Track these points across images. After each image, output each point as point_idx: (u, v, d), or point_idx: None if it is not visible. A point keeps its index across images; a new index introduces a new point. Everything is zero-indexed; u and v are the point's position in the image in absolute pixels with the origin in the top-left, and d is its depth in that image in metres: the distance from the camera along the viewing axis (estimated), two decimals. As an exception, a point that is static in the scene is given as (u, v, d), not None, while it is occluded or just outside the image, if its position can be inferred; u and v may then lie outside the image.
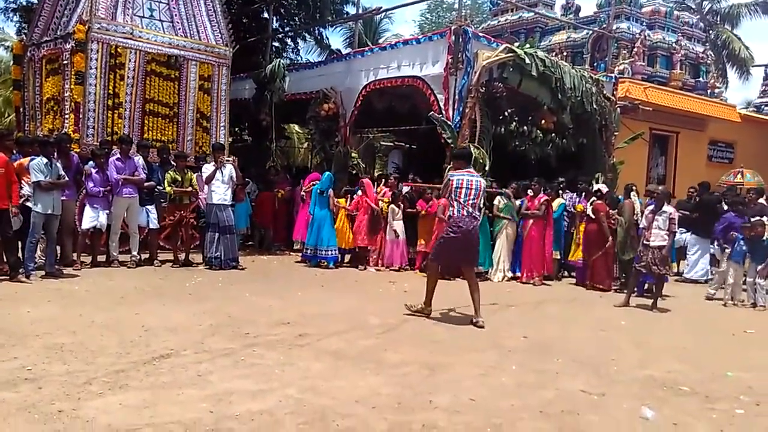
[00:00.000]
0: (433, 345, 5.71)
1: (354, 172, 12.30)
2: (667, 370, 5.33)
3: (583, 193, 10.52)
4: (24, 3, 17.27)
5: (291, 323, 6.11)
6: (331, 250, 10.23)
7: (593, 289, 9.59)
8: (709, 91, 17.80)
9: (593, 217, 9.66)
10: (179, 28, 11.27)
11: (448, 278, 9.54)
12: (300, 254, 10.89)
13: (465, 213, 6.53)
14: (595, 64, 16.36)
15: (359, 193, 10.70)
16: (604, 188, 10.32)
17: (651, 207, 8.45)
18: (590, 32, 16.91)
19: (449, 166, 10.28)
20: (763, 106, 22.86)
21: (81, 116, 10.06)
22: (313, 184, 10.56)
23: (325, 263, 10.20)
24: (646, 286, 9.06)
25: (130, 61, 10.47)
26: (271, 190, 11.94)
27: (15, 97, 12.36)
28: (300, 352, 5.18)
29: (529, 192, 10.11)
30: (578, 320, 7.41)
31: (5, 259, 7.55)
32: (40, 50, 11.19)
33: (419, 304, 6.73)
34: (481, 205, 6.91)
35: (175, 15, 11.32)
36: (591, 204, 9.76)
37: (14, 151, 8.15)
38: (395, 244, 10.46)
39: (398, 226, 10.44)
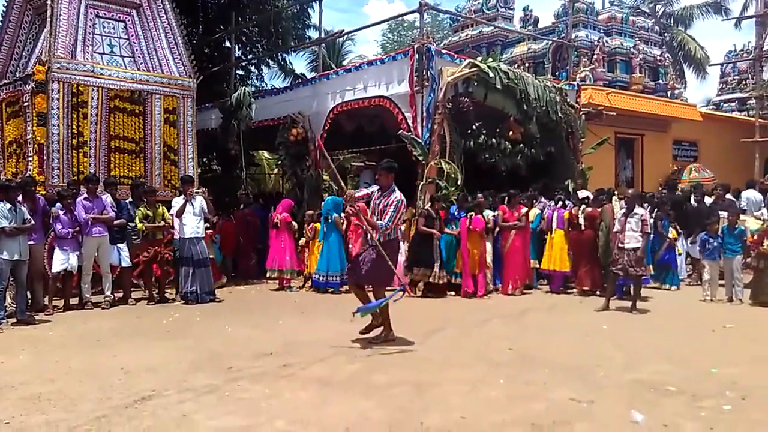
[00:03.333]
0: (419, 364, 5.66)
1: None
2: (652, 371, 5.36)
3: (560, 201, 10.57)
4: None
5: (274, 353, 6.02)
6: (338, 276, 10.05)
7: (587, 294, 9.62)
8: (669, 92, 18.21)
9: (584, 225, 9.67)
10: (141, 63, 11.18)
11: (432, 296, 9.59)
12: (275, 282, 10.79)
13: None
14: (557, 73, 16.63)
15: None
16: (590, 194, 10.41)
17: (623, 210, 8.55)
18: (550, 42, 17.21)
19: (422, 183, 10.39)
20: (722, 104, 23.48)
21: (45, 158, 9.88)
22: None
23: (332, 289, 10.07)
24: (625, 288, 9.14)
25: (92, 98, 10.32)
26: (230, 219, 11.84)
27: (-25, 142, 12.11)
28: (285, 382, 5.09)
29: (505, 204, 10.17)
30: (561, 327, 7.44)
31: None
32: (0, 94, 11.02)
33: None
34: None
35: (136, 50, 11.23)
36: (582, 212, 9.77)
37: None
38: None
39: None
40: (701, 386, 4.91)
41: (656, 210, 10.48)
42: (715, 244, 9.12)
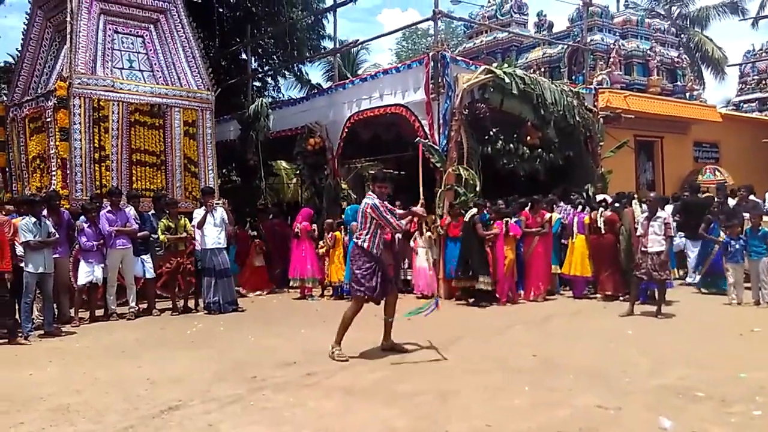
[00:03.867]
0: (443, 372, 5.65)
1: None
2: (679, 376, 5.29)
3: (580, 206, 10.50)
4: (2, 64, 17.33)
5: (297, 362, 6.05)
6: None
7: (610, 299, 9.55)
8: (687, 93, 18.01)
9: (604, 229, 9.58)
10: (160, 77, 11.33)
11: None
12: (297, 291, 10.83)
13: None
14: (573, 77, 16.53)
15: None
16: (609, 198, 10.31)
17: (646, 214, 8.47)
18: (565, 47, 17.13)
19: (441, 190, 10.37)
20: (742, 104, 23.20)
21: (68, 172, 10.04)
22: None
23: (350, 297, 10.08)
24: (649, 292, 9.04)
25: (113, 113, 10.47)
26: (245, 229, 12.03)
27: (-1, 158, 12.33)
28: (309, 391, 5.11)
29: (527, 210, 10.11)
30: (585, 333, 7.38)
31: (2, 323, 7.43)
32: (22, 110, 11.21)
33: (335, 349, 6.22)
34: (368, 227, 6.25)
35: (155, 64, 11.38)
36: (600, 215, 9.69)
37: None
38: (419, 271, 10.36)
39: (423, 252, 10.34)
40: (730, 391, 4.83)
41: (707, 214, 10.27)
42: (737, 246, 8.97)
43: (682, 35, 25.62)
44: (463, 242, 9.59)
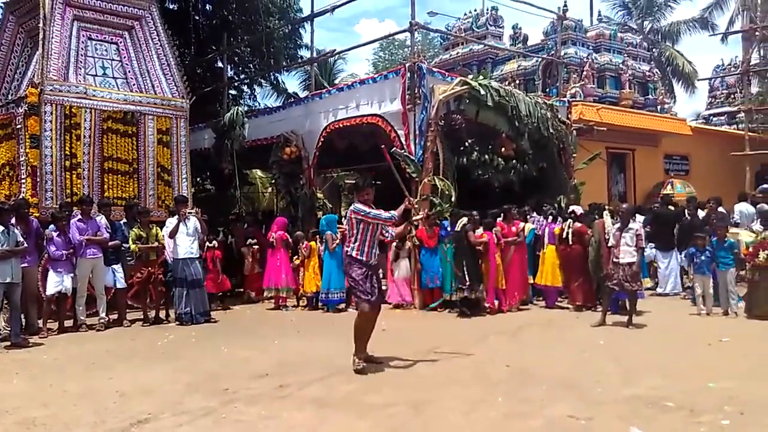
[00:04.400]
0: (416, 383, 5.64)
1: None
2: (650, 386, 5.35)
3: (551, 217, 10.60)
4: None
5: (270, 374, 5.98)
6: (336, 293, 10.02)
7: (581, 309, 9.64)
8: (659, 107, 18.34)
9: (572, 240, 9.69)
10: (134, 84, 11.22)
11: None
12: (271, 301, 10.75)
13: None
14: (548, 89, 16.73)
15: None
16: (579, 209, 10.40)
17: (618, 225, 8.58)
18: (540, 59, 17.36)
19: (417, 200, 10.39)
20: (711, 117, 23.69)
21: (38, 180, 9.87)
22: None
23: (326, 307, 10.09)
24: (620, 303, 9.13)
25: (85, 120, 10.34)
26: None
27: (-33, 165, 12.06)
28: (282, 403, 5.06)
29: (499, 219, 10.18)
30: (558, 343, 7.44)
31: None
32: (-8, 116, 11.01)
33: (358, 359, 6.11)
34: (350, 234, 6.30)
35: (129, 71, 11.27)
36: (569, 227, 9.80)
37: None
38: (397, 281, 10.38)
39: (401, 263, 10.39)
40: (699, 401, 4.89)
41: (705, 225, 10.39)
42: (703, 258, 9.11)
43: (654, 49, 26.11)
44: (457, 253, 9.64)
